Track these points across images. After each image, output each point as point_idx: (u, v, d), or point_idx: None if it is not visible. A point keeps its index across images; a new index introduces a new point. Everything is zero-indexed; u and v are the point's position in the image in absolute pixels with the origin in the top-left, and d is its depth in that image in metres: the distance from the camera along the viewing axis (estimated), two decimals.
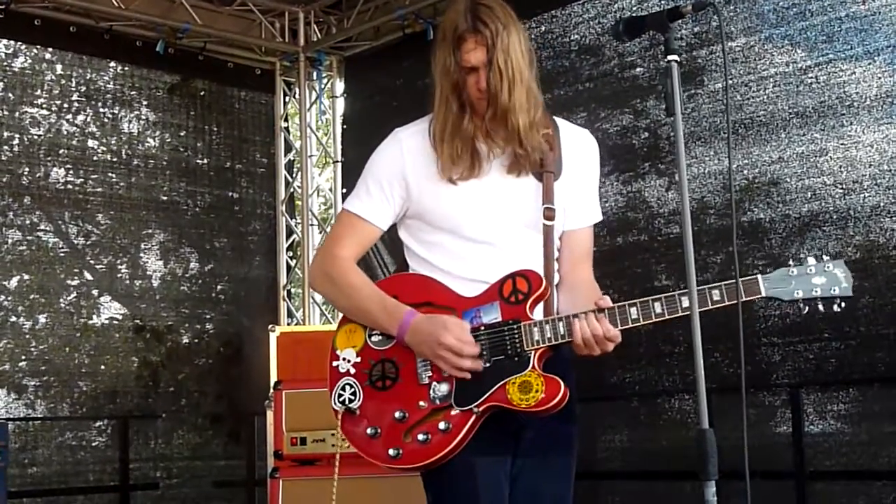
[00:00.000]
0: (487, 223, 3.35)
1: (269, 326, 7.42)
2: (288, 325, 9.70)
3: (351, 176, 9.65)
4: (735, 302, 3.14)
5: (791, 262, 3.24)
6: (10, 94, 8.76)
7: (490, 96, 3.26)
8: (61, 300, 8.96)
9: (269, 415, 6.88)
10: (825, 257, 3.24)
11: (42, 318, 8.87)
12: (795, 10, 7.07)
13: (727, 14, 7.27)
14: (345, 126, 10.10)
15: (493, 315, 3.27)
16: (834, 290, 3.21)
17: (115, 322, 9.24)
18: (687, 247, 3.01)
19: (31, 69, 8.95)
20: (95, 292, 9.20)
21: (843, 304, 3.22)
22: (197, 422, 9.49)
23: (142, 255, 9.45)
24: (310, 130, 10.14)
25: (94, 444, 9.02)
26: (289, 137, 10.29)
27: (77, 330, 9.00)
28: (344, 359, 3.39)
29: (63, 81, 9.08)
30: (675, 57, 3.10)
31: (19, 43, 8.86)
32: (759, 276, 3.20)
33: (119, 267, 9.30)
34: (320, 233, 9.98)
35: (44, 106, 9.01)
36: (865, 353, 6.63)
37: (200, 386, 9.51)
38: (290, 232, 10.06)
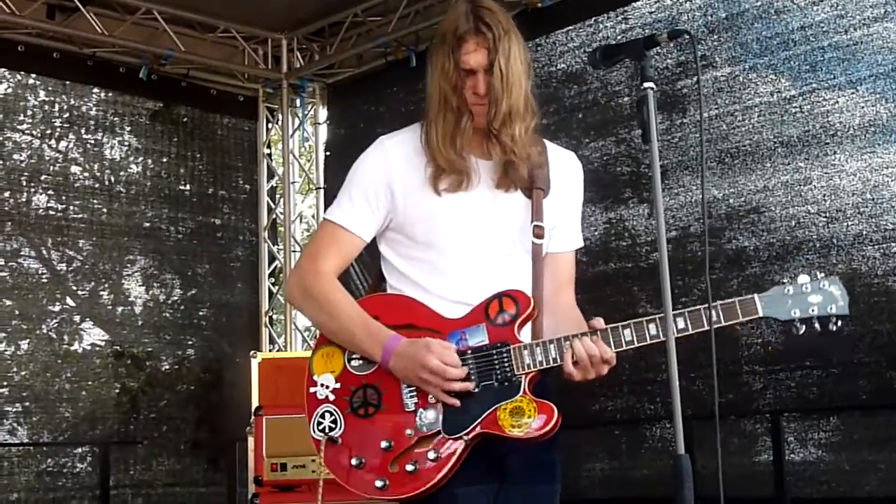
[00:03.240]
0: (473, 239, 3.23)
1: (251, 353, 7.39)
2: (270, 351, 9.66)
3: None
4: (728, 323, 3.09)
5: (786, 280, 3.13)
6: None
7: (490, 100, 3.16)
8: (43, 326, 8.93)
9: (250, 441, 6.85)
10: (819, 274, 3.13)
11: (24, 345, 8.83)
12: (779, 40, 7.11)
13: (711, 44, 7.31)
14: (328, 153, 10.10)
15: (479, 338, 3.15)
16: (831, 309, 3.10)
17: (97, 348, 9.19)
18: (663, 272, 2.95)
19: (14, 95, 8.92)
20: (77, 318, 9.16)
21: (839, 324, 3.10)
22: (178, 448, 9.41)
23: (124, 281, 9.41)
24: (292, 157, 10.15)
25: (75, 471, 8.96)
26: (271, 164, 10.28)
27: (58, 356, 8.95)
28: (322, 384, 3.22)
29: (46, 107, 9.07)
30: (652, 84, 3.07)
31: (2, 69, 8.84)
32: (755, 296, 3.10)
33: (101, 293, 9.27)
34: None
35: (26, 132, 9.00)
36: (847, 381, 6.63)
37: (181, 412, 9.46)
38: (272, 258, 10.03)
